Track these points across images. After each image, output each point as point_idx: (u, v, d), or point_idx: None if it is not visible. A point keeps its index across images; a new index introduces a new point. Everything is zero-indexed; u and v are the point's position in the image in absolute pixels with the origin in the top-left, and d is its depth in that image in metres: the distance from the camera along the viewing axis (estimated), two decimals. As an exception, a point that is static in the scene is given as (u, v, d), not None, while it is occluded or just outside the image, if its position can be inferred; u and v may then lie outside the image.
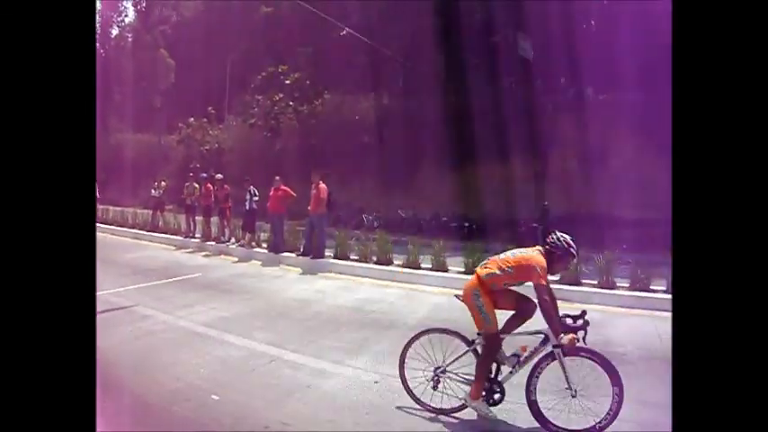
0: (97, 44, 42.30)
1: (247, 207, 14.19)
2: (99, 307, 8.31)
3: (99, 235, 18.03)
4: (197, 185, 16.30)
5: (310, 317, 8.01)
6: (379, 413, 4.77)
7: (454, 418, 4.67)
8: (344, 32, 22.66)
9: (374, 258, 11.82)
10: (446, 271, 10.81)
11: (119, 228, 19.09)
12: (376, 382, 5.44)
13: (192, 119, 29.54)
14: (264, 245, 14.09)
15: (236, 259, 13.66)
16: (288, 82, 24.54)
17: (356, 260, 12.03)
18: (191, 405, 5.00)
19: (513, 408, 4.61)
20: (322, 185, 12.37)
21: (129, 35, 44.34)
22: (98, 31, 42.20)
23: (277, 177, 13.62)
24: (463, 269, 10.63)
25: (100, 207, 21.62)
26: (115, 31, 44.65)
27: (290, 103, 24.15)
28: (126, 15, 44.90)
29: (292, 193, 13.55)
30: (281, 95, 24.34)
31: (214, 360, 6.16)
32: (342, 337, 6.92)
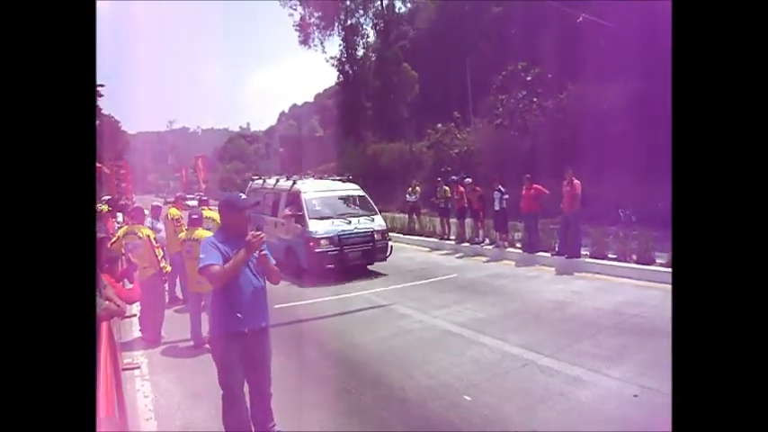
0: (346, 66, 46.38)
1: (497, 207, 14.15)
2: (359, 305, 9.10)
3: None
4: (447, 188, 16.64)
5: (566, 319, 7.76)
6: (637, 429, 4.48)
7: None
8: (581, 19, 21.57)
9: (634, 257, 10.98)
10: (717, 269, 9.68)
11: (378, 232, 20.20)
12: (635, 396, 5.09)
13: (440, 125, 30.42)
14: (518, 245, 13.96)
15: (490, 259, 13.76)
16: (529, 78, 24.10)
17: (614, 259, 11.27)
18: (443, 403, 5.17)
19: None
20: (576, 181, 11.89)
21: (373, 55, 47.43)
22: (344, 55, 46.20)
23: (527, 175, 13.41)
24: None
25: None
26: (360, 53, 48.03)
27: (534, 99, 23.66)
28: (367, 37, 48.09)
29: (545, 190, 13.19)
30: (525, 93, 23.95)
31: (467, 360, 6.30)
32: (599, 343, 6.57)
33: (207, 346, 6.26)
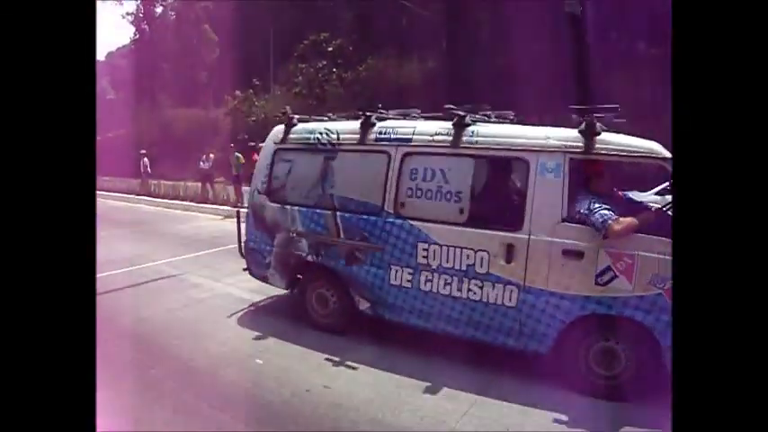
0: (143, 23, 43.58)
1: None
2: (151, 276, 8.59)
3: (152, 209, 18.57)
4: (239, 155, 16.49)
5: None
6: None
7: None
8: (382, -4, 22.35)
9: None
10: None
11: (171, 201, 19.47)
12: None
13: (238, 91, 29.73)
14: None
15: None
16: (330, 49, 24.40)
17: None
18: (234, 369, 5.13)
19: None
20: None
21: (172, 13, 45.11)
22: (141, 11, 43.39)
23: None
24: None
25: (152, 182, 22.13)
26: (159, 10, 45.43)
27: (334, 69, 24.02)
28: (168, -7, 45.75)
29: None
30: (325, 63, 24.22)
31: (260, 325, 6.23)
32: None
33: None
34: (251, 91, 29.40)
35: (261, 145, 15.33)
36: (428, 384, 4.61)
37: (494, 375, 4.81)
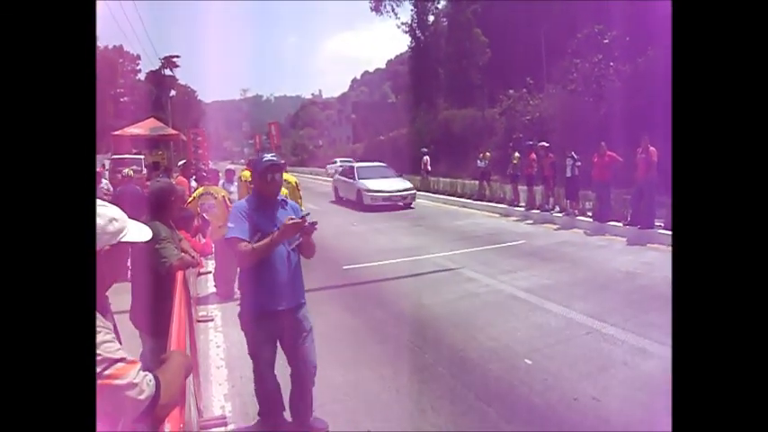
0: (418, 32, 46.09)
1: (569, 174, 13.89)
2: (430, 267, 9.19)
3: (431, 204, 19.53)
4: (517, 155, 16.50)
5: (635, 290, 7.58)
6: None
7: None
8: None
9: (711, 228, 10.60)
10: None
11: (449, 197, 20.43)
12: None
13: (512, 90, 29.84)
14: (589, 213, 13.67)
15: (560, 227, 13.55)
16: (606, 41, 23.16)
17: (690, 230, 10.87)
18: (504, 365, 5.19)
19: None
20: (651, 149, 11.48)
21: (444, 20, 46.89)
22: (415, 20, 45.95)
23: (602, 143, 13.03)
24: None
25: (431, 179, 23.29)
26: (431, 18, 47.58)
27: (611, 63, 22.77)
28: (438, 2, 47.63)
29: (619, 158, 12.83)
30: (600, 57, 23.05)
31: (531, 325, 6.29)
32: (668, 315, 6.31)
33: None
34: (525, 90, 29.30)
35: (541, 144, 15.36)
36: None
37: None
